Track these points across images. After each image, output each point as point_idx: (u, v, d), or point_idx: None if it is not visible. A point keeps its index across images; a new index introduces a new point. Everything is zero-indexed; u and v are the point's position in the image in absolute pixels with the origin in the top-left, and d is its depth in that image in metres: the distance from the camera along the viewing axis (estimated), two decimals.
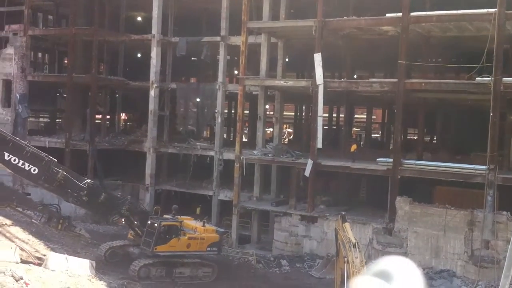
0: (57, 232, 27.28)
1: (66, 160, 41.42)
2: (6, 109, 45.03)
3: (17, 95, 44.33)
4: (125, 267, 25.64)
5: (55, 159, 24.95)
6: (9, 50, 45.06)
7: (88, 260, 23.65)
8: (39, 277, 19.97)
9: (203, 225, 27.88)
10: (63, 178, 24.56)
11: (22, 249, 23.68)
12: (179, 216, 27.75)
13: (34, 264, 21.96)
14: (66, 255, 23.30)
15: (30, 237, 26.73)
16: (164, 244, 26.00)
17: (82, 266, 22.78)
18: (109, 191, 27.96)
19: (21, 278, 18.95)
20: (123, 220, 26.80)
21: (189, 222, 28.23)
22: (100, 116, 48.08)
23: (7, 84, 45.13)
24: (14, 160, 23.63)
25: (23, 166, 23.80)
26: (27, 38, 44.89)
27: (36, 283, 19.28)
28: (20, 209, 25.97)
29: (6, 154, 23.52)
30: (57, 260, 22.27)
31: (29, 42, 45.15)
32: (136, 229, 26.81)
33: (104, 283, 22.25)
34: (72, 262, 22.59)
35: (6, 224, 26.82)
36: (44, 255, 23.54)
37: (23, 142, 25.71)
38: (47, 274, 20.67)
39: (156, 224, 25.98)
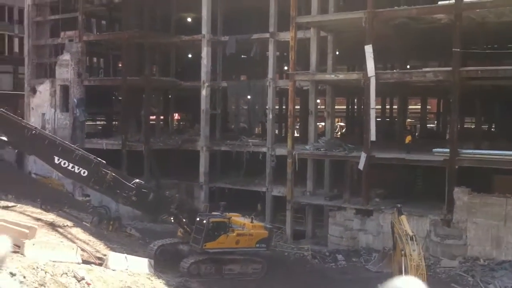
0: (107, 233, 27.73)
1: (123, 161, 42.50)
2: (65, 114, 46.48)
3: (75, 99, 45.73)
4: (178, 265, 25.87)
5: (103, 161, 25.36)
6: (66, 57, 46.50)
7: (147, 258, 24.09)
8: (100, 276, 20.47)
9: (251, 222, 27.84)
10: (112, 179, 24.96)
11: (83, 250, 24.32)
12: (227, 213, 27.76)
13: (95, 264, 22.51)
14: (125, 254, 23.79)
15: (91, 237, 27.45)
16: (213, 241, 26.05)
17: (141, 265, 23.22)
18: (157, 189, 28.08)
19: (83, 278, 19.46)
20: (171, 218, 27.01)
21: (237, 218, 28.21)
22: (154, 117, 49.02)
23: (65, 89, 46.58)
24: (64, 163, 24.12)
25: (73, 169, 24.29)
26: (82, 44, 46.21)
27: (98, 283, 19.77)
28: (72, 213, 26.59)
29: (56, 158, 24.02)
30: (117, 260, 22.76)
31: (84, 48, 46.46)
32: (185, 226, 26.93)
33: (163, 281, 22.64)
34: (131, 261, 23.05)
35: (67, 225, 27.59)
36: (105, 255, 24.10)
37: (72, 145, 26.29)
38: (107, 273, 21.17)
39: (204, 221, 26.03)
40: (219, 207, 28.55)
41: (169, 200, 26.84)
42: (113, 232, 27.12)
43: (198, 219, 26.53)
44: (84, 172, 24.43)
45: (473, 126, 43.41)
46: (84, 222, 28.11)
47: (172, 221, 27.48)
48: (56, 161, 24.03)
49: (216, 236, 26.16)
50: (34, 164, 42.01)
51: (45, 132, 25.76)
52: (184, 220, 26.96)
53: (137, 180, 26.11)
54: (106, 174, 24.86)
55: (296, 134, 42.44)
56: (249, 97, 42.28)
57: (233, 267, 26.69)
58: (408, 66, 43.13)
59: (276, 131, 46.90)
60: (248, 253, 27.10)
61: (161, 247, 26.88)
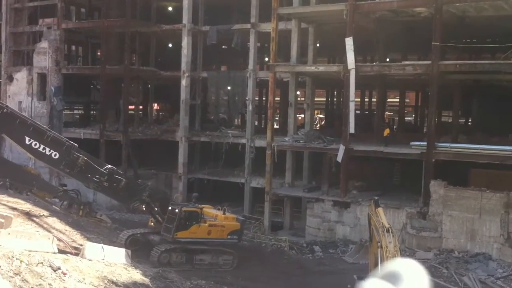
0: (76, 218, 27.14)
1: (101, 151, 42.17)
2: (42, 102, 45.91)
3: (52, 88, 45.14)
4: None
5: (75, 144, 24.80)
6: (43, 44, 45.85)
7: (124, 249, 23.98)
8: (76, 266, 20.31)
9: (224, 213, 27.78)
10: (83, 163, 24.35)
11: (59, 239, 24.08)
12: (199, 204, 27.67)
13: (71, 254, 22.31)
14: (102, 244, 23.65)
15: (67, 227, 27.19)
16: (185, 231, 25.92)
17: (118, 255, 23.08)
18: (130, 177, 27.49)
19: (59, 268, 19.29)
20: (143, 206, 26.60)
21: (209, 210, 28.16)
22: (133, 107, 48.68)
23: (42, 77, 45.98)
24: (35, 144, 23.44)
25: (44, 151, 23.60)
26: (61, 32, 45.59)
27: (73, 273, 19.62)
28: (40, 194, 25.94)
29: (27, 139, 23.33)
30: (94, 250, 22.60)
31: (62, 36, 45.85)
32: (157, 216, 26.65)
33: (140, 271, 22.54)
34: (108, 251, 22.90)
35: (43, 215, 27.29)
36: (81, 245, 23.89)
37: (44, 126, 25.53)
38: (84, 263, 21.01)
39: (176, 210, 25.90)
40: (191, 198, 28.42)
41: (141, 188, 26.34)
42: (83, 217, 26.48)
43: (170, 208, 26.35)
44: (55, 155, 23.77)
45: (450, 120, 43.80)
46: (53, 206, 27.35)
47: (144, 209, 27.07)
48: (27, 142, 23.33)
49: (188, 225, 26.00)
50: (11, 153, 41.54)
51: (16, 111, 24.73)
52: (156, 209, 26.65)
53: (110, 166, 25.52)
54: (77, 157, 24.24)
55: (275, 126, 42.49)
56: (229, 88, 42.17)
57: (204, 257, 26.57)
58: (387, 59, 43.37)
59: (256, 123, 46.91)
60: (219, 244, 26.94)
61: (131, 236, 26.53)
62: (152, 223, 27.32)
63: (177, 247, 25.92)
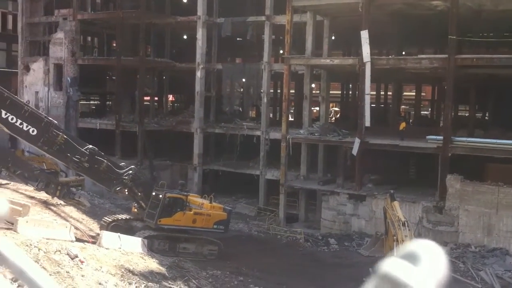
0: (53, 199, 26.08)
1: (117, 141, 42.38)
2: (58, 93, 46.19)
3: (68, 78, 45.40)
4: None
5: (55, 121, 24.01)
6: (59, 35, 46.07)
7: (141, 238, 24.11)
8: (94, 255, 20.50)
9: (210, 202, 26.95)
10: (63, 141, 23.30)
11: (76, 228, 24.33)
12: (185, 192, 26.94)
13: (88, 242, 22.53)
14: (119, 233, 23.80)
15: (84, 216, 27.44)
16: (169, 217, 24.92)
17: (134, 244, 23.24)
18: (110, 159, 25.93)
19: (76, 256, 19.47)
20: (126, 190, 25.34)
21: (195, 198, 27.48)
22: (148, 98, 48.83)
23: (58, 68, 46.23)
24: (12, 119, 22.34)
25: (21, 126, 22.52)
26: (76, 23, 45.77)
27: (91, 261, 19.81)
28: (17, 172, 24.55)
29: (4, 112, 22.25)
30: (111, 239, 22.77)
31: (78, 26, 46.02)
32: (140, 201, 25.70)
33: (156, 260, 22.70)
34: (124, 240, 23.06)
35: (60, 203, 27.54)
36: (98, 234, 24.14)
37: (22, 100, 24.48)
38: (101, 252, 21.20)
39: (160, 196, 24.99)
40: (177, 185, 27.65)
41: (123, 171, 24.96)
42: (60, 198, 25.33)
43: (154, 193, 25.41)
44: (33, 131, 22.64)
45: (467, 114, 43.54)
46: (29, 184, 25.99)
47: (126, 193, 25.95)
48: (3, 115, 22.16)
49: (172, 212, 25.12)
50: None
51: None
52: (139, 194, 25.56)
53: (91, 146, 24.22)
54: (57, 135, 23.18)
55: (290, 119, 42.48)
56: (244, 80, 42.18)
57: (188, 246, 25.73)
58: (403, 53, 43.12)
59: (271, 115, 46.91)
60: (204, 233, 26.23)
61: (113, 222, 25.69)
62: (135, 209, 26.41)
63: (159, 234, 25.03)
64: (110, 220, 25.77)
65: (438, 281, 0.87)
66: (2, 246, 0.99)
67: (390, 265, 0.85)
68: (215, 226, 26.09)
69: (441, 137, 30.63)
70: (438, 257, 0.88)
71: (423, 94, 54.17)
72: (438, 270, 0.87)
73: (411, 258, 0.91)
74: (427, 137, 31.53)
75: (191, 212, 25.62)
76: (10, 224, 20.41)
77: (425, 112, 58.47)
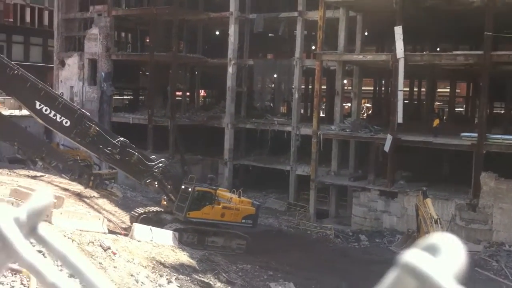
0: (86, 189, 26.50)
1: (149, 136, 42.86)
2: (92, 87, 46.90)
3: (102, 73, 46.05)
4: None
5: (87, 113, 24.31)
6: (94, 31, 46.74)
7: (172, 231, 24.34)
8: (126, 247, 20.76)
9: (239, 197, 26.98)
10: (95, 133, 23.56)
11: (109, 220, 24.65)
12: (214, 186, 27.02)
13: (120, 234, 22.83)
14: (150, 226, 24.07)
15: (117, 209, 27.81)
16: (197, 211, 25.07)
17: (165, 237, 23.47)
18: (142, 152, 26.23)
19: (109, 248, 19.75)
20: (156, 183, 25.54)
21: (224, 192, 27.52)
22: (180, 93, 49.21)
23: (93, 63, 46.93)
24: (46, 110, 22.52)
25: (54, 118, 22.71)
26: (111, 19, 46.37)
27: (123, 253, 20.06)
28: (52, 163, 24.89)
29: (38, 103, 22.44)
30: (142, 231, 23.02)
31: (112, 22, 46.62)
32: (170, 194, 25.86)
33: (187, 253, 22.89)
34: (156, 233, 23.30)
35: (94, 196, 27.99)
36: (130, 226, 24.43)
37: (56, 92, 24.73)
38: (133, 244, 21.45)
39: (190, 189, 25.14)
40: (206, 179, 27.77)
41: (154, 164, 25.24)
42: (93, 188, 25.70)
43: (183, 187, 25.57)
44: (66, 122, 22.89)
45: (502, 111, 42.79)
46: (63, 176, 26.44)
47: (156, 186, 26.07)
48: (38, 107, 22.43)
49: (201, 206, 25.27)
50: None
51: (28, 74, 23.24)
52: (169, 187, 25.76)
53: (122, 139, 24.49)
54: (89, 127, 23.45)
55: (322, 114, 42.32)
56: (275, 75, 42.16)
57: (217, 239, 25.82)
58: (438, 49, 42.55)
59: (302, 111, 46.80)
60: (233, 227, 26.25)
61: (144, 214, 25.90)
62: (165, 202, 26.57)
63: (188, 227, 25.14)
64: (140, 212, 26.03)
65: (458, 273, 0.89)
66: (48, 234, 1.05)
67: (412, 256, 0.87)
68: (243, 221, 26.15)
69: (476, 134, 30.18)
70: (458, 250, 0.89)
71: (457, 90, 53.36)
72: (458, 263, 0.88)
73: (432, 249, 0.92)
74: (461, 134, 31.10)
75: (220, 206, 25.74)
76: (45, 216, 20.80)
77: (460, 109, 57.65)
